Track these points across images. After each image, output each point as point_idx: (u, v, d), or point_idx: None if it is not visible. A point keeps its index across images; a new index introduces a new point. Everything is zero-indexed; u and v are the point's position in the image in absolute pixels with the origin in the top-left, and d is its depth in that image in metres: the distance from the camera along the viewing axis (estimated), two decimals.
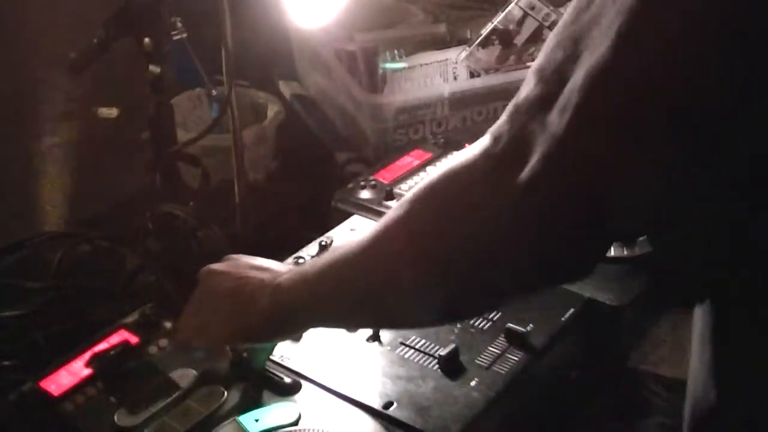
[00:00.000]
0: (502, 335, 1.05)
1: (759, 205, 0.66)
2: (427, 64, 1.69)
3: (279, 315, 0.88)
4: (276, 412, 0.96)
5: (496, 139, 0.70)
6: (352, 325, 0.97)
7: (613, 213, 0.66)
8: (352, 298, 0.84)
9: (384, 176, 1.40)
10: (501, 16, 1.72)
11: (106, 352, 1.03)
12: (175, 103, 1.61)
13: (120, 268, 1.32)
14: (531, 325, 1.06)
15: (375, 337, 1.07)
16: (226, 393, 0.99)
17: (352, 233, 1.25)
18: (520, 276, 0.72)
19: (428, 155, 1.46)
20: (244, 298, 0.91)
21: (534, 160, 0.66)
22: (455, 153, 1.44)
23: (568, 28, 0.67)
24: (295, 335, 1.00)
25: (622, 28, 0.62)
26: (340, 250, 0.84)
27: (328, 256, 0.86)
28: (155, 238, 1.28)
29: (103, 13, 1.25)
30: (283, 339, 0.99)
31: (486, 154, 0.71)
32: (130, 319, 1.11)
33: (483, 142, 0.71)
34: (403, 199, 0.78)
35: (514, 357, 1.03)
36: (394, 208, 0.78)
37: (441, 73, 1.69)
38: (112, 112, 1.35)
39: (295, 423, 0.94)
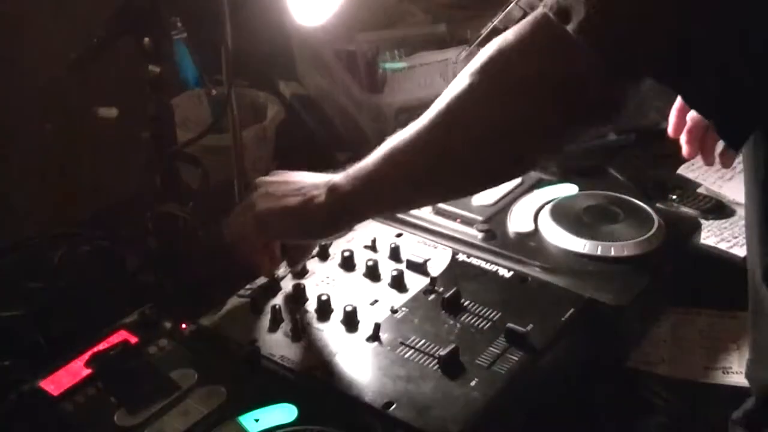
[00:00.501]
0: (502, 335, 1.05)
1: None
2: (427, 64, 1.69)
3: (337, 209, 1.00)
4: (276, 412, 0.96)
5: (545, 8, 0.82)
6: (405, 208, 1.18)
7: (647, 53, 0.78)
8: (411, 178, 0.95)
9: None
10: (501, 16, 1.71)
11: (106, 352, 1.03)
12: (175, 103, 1.61)
13: (120, 268, 1.32)
14: (531, 325, 1.06)
15: (375, 337, 1.07)
16: (226, 393, 0.99)
17: (352, 233, 1.25)
18: (575, 117, 0.86)
19: None
20: (302, 199, 1.02)
21: (578, 15, 0.78)
22: None
23: None
24: (350, 228, 1.13)
25: None
26: (393, 140, 0.94)
27: (380, 149, 0.96)
28: (155, 238, 1.28)
29: (104, 13, 1.24)
30: (339, 234, 1.11)
31: (535, 22, 0.83)
32: (130, 319, 1.11)
33: (531, 17, 0.84)
34: (460, 76, 0.88)
35: (514, 357, 1.03)
36: (453, 86, 0.89)
37: (441, 73, 1.69)
38: (112, 112, 1.35)
39: (295, 423, 0.94)
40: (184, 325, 1.10)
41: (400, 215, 1.29)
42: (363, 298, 1.13)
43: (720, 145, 1.25)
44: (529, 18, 0.84)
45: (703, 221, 1.35)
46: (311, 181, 1.04)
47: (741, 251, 1.32)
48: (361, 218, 1.06)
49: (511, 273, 1.18)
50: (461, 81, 0.88)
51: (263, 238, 1.08)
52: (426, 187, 0.97)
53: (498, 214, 1.30)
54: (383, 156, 0.95)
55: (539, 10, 0.83)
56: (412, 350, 1.04)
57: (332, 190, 1.00)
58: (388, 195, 0.99)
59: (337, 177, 1.00)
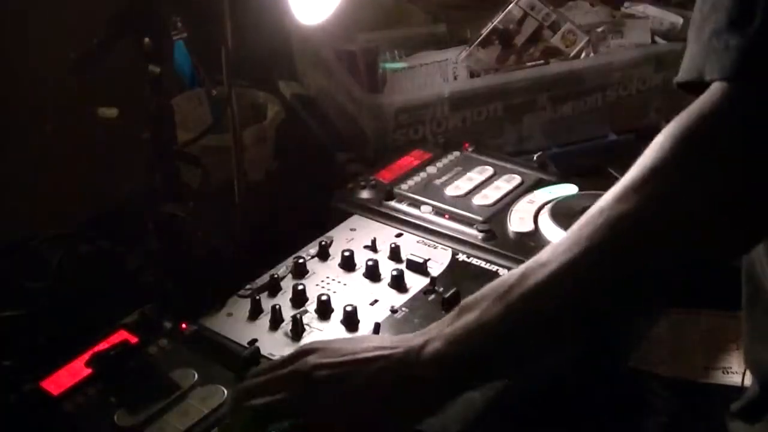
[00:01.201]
0: None
1: None
2: (427, 64, 1.69)
3: (455, 380, 0.83)
4: None
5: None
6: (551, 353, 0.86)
7: None
8: (558, 322, 0.79)
9: (384, 176, 1.40)
10: (501, 16, 1.72)
11: (106, 352, 1.03)
12: (175, 103, 1.61)
13: (120, 268, 1.32)
14: None
15: None
16: (226, 393, 0.99)
17: (352, 233, 1.26)
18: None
19: (428, 155, 1.46)
20: (400, 385, 0.83)
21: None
22: (455, 153, 1.44)
23: None
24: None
25: None
26: (521, 286, 0.79)
27: (503, 294, 0.79)
28: (155, 239, 1.28)
29: (106, 12, 1.24)
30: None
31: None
32: (130, 319, 1.11)
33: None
34: (599, 207, 0.81)
35: None
36: (591, 217, 0.81)
37: (441, 73, 1.69)
38: (112, 112, 1.35)
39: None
40: (184, 325, 1.10)
41: (399, 215, 1.30)
42: (363, 298, 1.13)
43: None
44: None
45: None
46: (386, 354, 0.84)
47: None
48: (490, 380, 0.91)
49: None
50: (608, 216, 0.79)
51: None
52: (572, 336, 0.82)
53: (498, 214, 1.30)
54: (515, 303, 0.79)
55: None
56: None
57: (440, 361, 0.81)
58: (524, 351, 0.82)
59: (439, 340, 0.82)
